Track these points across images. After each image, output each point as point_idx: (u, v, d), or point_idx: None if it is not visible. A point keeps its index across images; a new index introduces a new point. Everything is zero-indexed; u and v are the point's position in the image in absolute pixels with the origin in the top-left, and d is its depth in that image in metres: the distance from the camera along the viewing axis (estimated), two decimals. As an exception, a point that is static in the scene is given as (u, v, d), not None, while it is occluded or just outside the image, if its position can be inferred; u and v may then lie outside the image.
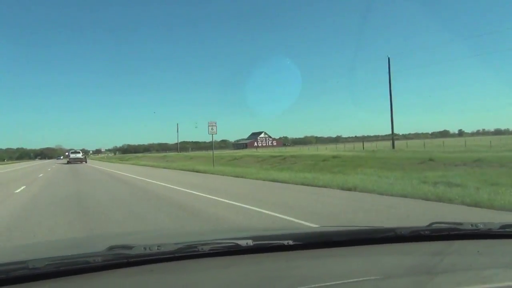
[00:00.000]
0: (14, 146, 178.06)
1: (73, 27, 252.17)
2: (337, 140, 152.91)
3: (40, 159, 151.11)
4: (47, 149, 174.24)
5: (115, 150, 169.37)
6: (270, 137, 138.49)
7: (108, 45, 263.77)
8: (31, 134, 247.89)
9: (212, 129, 22.19)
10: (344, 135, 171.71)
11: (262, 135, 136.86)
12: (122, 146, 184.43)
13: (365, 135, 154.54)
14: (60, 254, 1.43)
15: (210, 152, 34.20)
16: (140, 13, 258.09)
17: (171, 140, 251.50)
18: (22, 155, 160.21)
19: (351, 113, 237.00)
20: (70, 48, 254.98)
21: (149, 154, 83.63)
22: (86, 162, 52.32)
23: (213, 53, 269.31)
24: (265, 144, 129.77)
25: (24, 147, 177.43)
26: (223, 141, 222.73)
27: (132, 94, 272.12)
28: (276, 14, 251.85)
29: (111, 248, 1.35)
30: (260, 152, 44.74)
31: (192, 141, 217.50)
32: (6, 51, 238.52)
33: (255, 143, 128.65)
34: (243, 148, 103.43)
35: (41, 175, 24.82)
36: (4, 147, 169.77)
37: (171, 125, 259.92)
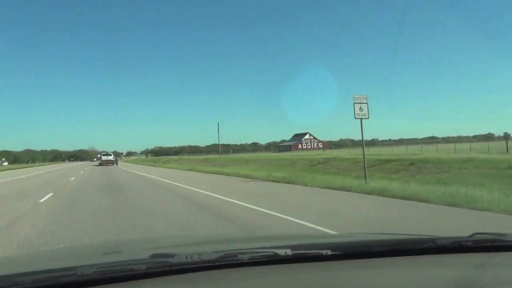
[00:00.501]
0: (49, 147, 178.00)
1: (123, 26, 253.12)
2: (374, 143, 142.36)
3: (72, 161, 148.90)
4: (80, 151, 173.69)
5: (146, 153, 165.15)
6: (316, 138, 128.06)
7: (143, 48, 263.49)
8: (65, 136, 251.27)
9: (361, 109, 12.03)
10: (380, 138, 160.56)
11: (307, 136, 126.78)
12: (154, 148, 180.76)
13: (402, 138, 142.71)
14: (104, 260, 1.57)
15: (262, 155, 27.87)
16: (184, 13, 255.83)
17: (202, 142, 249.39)
18: (56, 156, 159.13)
19: (384, 115, 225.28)
20: (105, 51, 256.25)
21: (186, 157, 77.53)
22: (117, 164, 52.52)
23: (247, 56, 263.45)
24: (310, 146, 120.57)
25: (59, 149, 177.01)
26: (254, 144, 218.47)
27: (165, 97, 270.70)
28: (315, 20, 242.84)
29: (154, 256, 1.38)
30: (346, 154, 36.94)
31: (223, 144, 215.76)
32: (41, 52, 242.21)
33: (299, 145, 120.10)
34: (286, 151, 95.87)
35: (72, 178, 21.64)
36: (39, 148, 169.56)
37: (201, 127, 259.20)
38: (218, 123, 69.27)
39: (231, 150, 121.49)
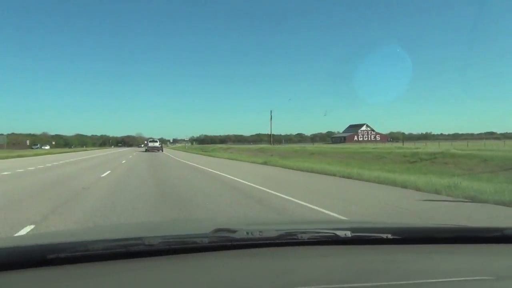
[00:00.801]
0: (99, 133, 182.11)
1: (178, 15, 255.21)
2: (427, 137, 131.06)
3: (120, 146, 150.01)
4: (128, 137, 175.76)
5: (192, 140, 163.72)
6: (373, 130, 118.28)
7: (193, 37, 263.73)
8: (114, 122, 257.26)
9: None
10: (434, 132, 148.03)
11: (364, 128, 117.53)
12: (199, 136, 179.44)
13: (457, 132, 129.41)
14: (170, 233, 1.61)
15: (323, 146, 22.43)
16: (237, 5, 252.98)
17: (246, 132, 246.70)
18: (105, 142, 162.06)
19: (440, 110, 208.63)
20: (154, 39, 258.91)
21: (235, 146, 73.14)
22: (162, 151, 52.81)
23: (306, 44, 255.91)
24: (366, 138, 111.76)
25: (107, 134, 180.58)
26: (299, 135, 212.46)
27: (212, 85, 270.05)
28: (387, 4, 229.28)
29: (216, 230, 1.43)
30: (433, 148, 30.79)
31: (267, 133, 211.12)
32: (95, 40, 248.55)
33: (355, 136, 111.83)
34: (340, 142, 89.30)
35: (106, 173, 15.11)
36: (89, 133, 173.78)
37: (246, 116, 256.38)
38: (271, 111, 64.47)
39: (283, 140, 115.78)
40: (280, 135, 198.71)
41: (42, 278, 1.13)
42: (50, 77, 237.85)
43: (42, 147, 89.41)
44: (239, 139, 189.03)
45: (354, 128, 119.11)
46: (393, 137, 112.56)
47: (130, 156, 34.19)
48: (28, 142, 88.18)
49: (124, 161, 25.14)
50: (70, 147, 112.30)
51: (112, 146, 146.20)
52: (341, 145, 50.11)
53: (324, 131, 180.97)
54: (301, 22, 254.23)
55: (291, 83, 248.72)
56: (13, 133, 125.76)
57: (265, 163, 21.69)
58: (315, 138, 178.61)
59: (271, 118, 60.32)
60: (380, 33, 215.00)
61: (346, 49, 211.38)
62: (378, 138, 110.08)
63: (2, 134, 66.72)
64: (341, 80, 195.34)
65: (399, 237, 1.50)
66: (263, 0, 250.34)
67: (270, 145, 57.54)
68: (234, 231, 1.42)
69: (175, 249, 1.33)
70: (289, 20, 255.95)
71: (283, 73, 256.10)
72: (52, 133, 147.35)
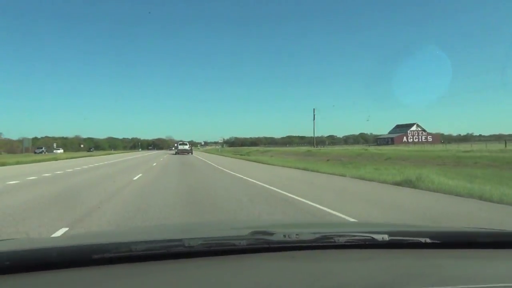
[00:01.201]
0: (130, 136, 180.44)
1: (205, 19, 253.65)
2: (468, 139, 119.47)
3: (150, 149, 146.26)
4: (159, 139, 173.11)
5: (222, 143, 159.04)
6: (425, 130, 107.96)
7: (225, 39, 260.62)
8: (146, 125, 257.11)
9: None
10: (475, 133, 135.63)
11: (414, 128, 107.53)
12: (230, 138, 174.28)
13: (502, 133, 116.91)
14: (209, 235, 1.61)
15: (388, 148, 15.73)
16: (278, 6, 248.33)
17: (276, 134, 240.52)
18: (135, 145, 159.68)
19: (481, 110, 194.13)
20: (186, 42, 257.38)
21: (274, 148, 67.02)
22: (191, 154, 53.59)
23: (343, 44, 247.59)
24: (417, 139, 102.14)
25: (138, 137, 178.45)
26: (331, 137, 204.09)
27: (242, 87, 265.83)
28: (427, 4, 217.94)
29: (254, 233, 1.44)
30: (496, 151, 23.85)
31: (298, 136, 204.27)
32: (124, 44, 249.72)
33: (404, 137, 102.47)
34: (386, 144, 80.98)
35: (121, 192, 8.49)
36: (121, 136, 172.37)
37: (277, 118, 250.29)
38: (314, 109, 57.71)
39: (326, 142, 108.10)
40: (311, 137, 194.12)
41: (88, 277, 1.18)
42: (82, 80, 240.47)
43: (54, 151, 72.35)
44: (270, 141, 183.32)
45: (401, 129, 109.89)
46: (444, 139, 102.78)
47: (154, 164, 25.65)
48: (27, 143, 69.03)
49: (137, 176, 17.68)
50: (89, 150, 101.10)
51: (140, 149, 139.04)
52: (404, 147, 42.85)
53: (356, 132, 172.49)
54: (336, 23, 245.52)
55: (322, 84, 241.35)
56: (46, 137, 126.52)
57: (315, 171, 15.25)
58: (348, 140, 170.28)
59: (314, 118, 53.66)
60: (419, 34, 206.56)
61: (384, 50, 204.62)
62: (430, 139, 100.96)
63: (27, 138, 64.11)
64: (377, 82, 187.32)
65: (437, 241, 1.47)
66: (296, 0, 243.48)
67: (313, 148, 50.86)
68: (271, 234, 1.42)
69: (214, 250, 1.35)
70: (321, 21, 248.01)
71: (315, 74, 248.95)
72: (84, 136, 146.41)
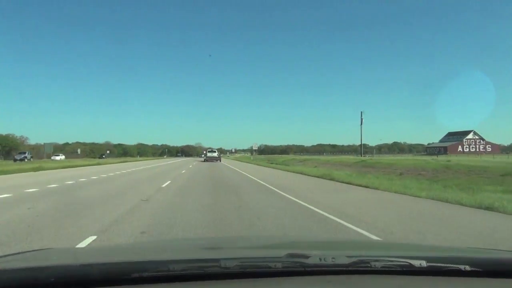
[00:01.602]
0: (159, 142, 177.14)
1: (260, 26, 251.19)
2: None
3: (178, 156, 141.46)
4: (187, 146, 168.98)
5: (251, 150, 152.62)
6: (483, 139, 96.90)
7: (259, 45, 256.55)
8: (175, 132, 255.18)
9: None
10: None
11: (470, 136, 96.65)
12: (260, 146, 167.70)
13: None
14: (244, 255, 1.65)
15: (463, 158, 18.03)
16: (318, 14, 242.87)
17: (305, 142, 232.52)
18: (163, 152, 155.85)
19: None
20: (216, 48, 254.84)
21: (320, 157, 59.87)
22: (220, 161, 53.77)
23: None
24: (474, 148, 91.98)
25: (168, 143, 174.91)
26: (364, 145, 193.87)
27: (273, 95, 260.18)
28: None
29: (290, 255, 1.41)
30: None
31: (328, 144, 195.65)
32: (163, 50, 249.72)
33: (460, 146, 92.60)
34: (438, 154, 71.48)
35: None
36: (150, 143, 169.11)
37: (302, 126, 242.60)
38: (361, 112, 50.23)
39: (374, 151, 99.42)
40: (343, 145, 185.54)
41: None
42: (115, 86, 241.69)
43: (53, 157, 60.43)
44: (301, 150, 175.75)
45: (455, 137, 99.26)
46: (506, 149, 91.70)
47: (167, 184, 17.17)
48: (49, 149, 58.16)
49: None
50: (101, 157, 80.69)
51: (165, 156, 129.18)
52: (464, 157, 34.99)
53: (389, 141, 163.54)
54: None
55: (358, 95, 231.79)
56: (77, 142, 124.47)
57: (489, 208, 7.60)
58: (383, 149, 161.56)
59: (361, 123, 45.82)
60: (461, 58, 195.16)
61: (427, 73, 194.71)
62: (489, 148, 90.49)
63: (48, 143, 59.93)
64: (418, 103, 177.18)
65: (478, 270, 1.40)
66: (342, 8, 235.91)
67: (362, 157, 43.42)
68: (307, 257, 1.39)
69: (249, 272, 1.33)
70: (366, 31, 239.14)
71: (352, 84, 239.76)
72: (115, 142, 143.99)
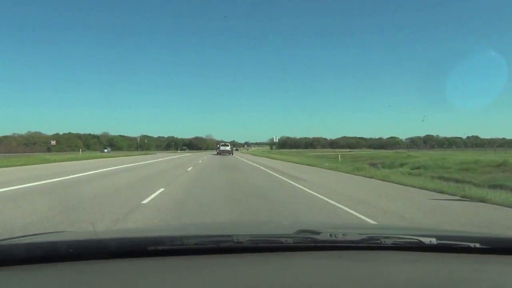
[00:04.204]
0: (166, 134, 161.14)
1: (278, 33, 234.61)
2: None
3: (184, 149, 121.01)
4: (196, 138, 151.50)
5: (271, 144, 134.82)
6: None
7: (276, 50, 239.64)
8: (183, 123, 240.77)
9: None
10: None
11: None
12: (281, 138, 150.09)
13: None
14: (257, 232, 1.69)
15: None
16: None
17: (330, 135, 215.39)
18: (170, 144, 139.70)
19: None
20: (224, 38, 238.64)
21: (362, 152, 43.84)
22: (232, 154, 55.65)
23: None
24: None
25: (175, 135, 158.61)
26: (392, 138, 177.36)
27: (292, 84, 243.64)
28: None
29: (300, 231, 1.45)
30: None
31: (357, 137, 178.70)
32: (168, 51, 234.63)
33: None
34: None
35: None
36: (156, 135, 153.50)
37: (331, 118, 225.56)
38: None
39: (428, 145, 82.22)
40: (372, 138, 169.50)
41: (143, 267, 1.25)
42: (119, 75, 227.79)
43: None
44: (329, 143, 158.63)
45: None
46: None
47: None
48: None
49: None
50: (103, 151, 73.35)
51: (156, 152, 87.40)
52: None
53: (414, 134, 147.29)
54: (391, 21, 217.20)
55: (374, 84, 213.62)
56: (69, 133, 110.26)
57: None
58: (418, 142, 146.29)
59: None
60: (475, 37, 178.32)
61: (440, 52, 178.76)
62: None
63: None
64: (432, 85, 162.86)
65: (487, 247, 1.41)
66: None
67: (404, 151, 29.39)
68: (318, 233, 1.41)
69: (261, 247, 1.37)
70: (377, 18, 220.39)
71: (368, 73, 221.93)
72: (114, 133, 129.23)
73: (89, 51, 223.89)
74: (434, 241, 1.40)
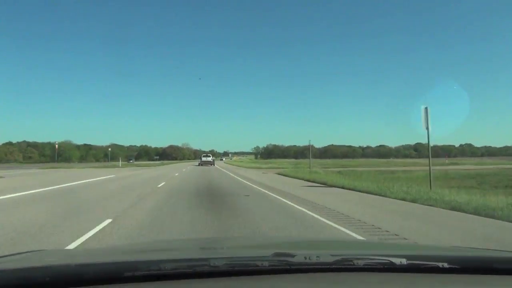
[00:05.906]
0: (138, 143, 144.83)
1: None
2: None
3: (156, 160, 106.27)
4: (171, 147, 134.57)
5: (256, 153, 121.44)
6: None
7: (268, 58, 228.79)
8: (156, 131, 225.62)
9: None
10: None
11: None
12: (267, 147, 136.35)
13: None
14: (233, 254, 1.70)
15: None
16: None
17: (301, 142, 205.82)
18: (141, 154, 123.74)
19: None
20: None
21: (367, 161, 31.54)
22: (213, 165, 56.06)
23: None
24: None
25: (148, 144, 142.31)
26: (382, 146, 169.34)
27: (273, 96, 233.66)
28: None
29: (276, 254, 1.46)
30: None
31: (345, 145, 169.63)
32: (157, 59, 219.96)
33: None
34: None
35: None
36: (127, 144, 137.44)
37: (320, 126, 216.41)
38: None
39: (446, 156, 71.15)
40: (385, 146, 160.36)
41: None
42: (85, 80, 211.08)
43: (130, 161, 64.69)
44: (320, 152, 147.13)
45: None
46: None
47: None
48: None
49: None
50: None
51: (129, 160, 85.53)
52: None
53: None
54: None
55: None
56: (24, 141, 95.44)
57: None
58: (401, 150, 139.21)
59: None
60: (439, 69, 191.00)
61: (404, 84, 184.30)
62: None
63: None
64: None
65: (456, 267, 1.44)
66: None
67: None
68: (293, 256, 1.43)
69: (237, 271, 1.37)
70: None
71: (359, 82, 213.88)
72: (79, 142, 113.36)
73: (54, 58, 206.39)
74: (404, 261, 1.42)
